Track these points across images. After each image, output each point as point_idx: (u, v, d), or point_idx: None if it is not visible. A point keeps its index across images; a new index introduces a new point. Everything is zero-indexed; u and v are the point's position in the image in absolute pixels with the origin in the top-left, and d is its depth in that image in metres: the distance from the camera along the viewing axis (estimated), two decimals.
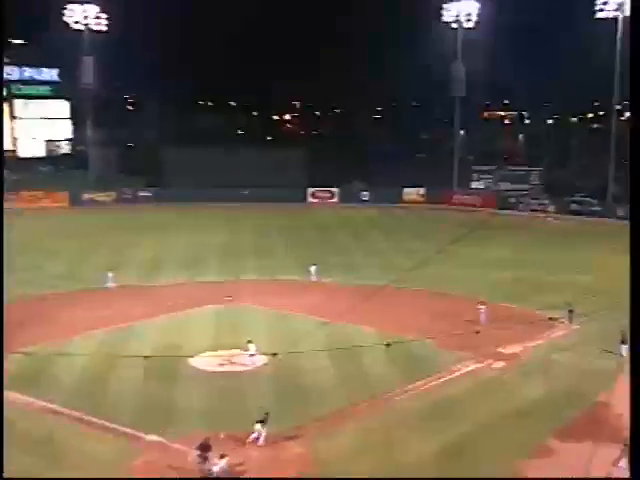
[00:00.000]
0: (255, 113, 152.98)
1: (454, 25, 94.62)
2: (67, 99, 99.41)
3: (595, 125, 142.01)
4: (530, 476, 25.67)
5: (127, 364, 34.39)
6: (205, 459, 25.30)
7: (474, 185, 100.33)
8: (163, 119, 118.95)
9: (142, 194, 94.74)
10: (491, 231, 69.99)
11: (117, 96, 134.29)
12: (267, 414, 27.59)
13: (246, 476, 25.52)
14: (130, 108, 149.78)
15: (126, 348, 37.32)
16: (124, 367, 34.45)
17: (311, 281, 52.68)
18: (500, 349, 37.92)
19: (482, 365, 35.92)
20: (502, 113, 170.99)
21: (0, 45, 77.74)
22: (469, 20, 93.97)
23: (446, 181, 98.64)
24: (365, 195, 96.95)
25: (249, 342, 35.17)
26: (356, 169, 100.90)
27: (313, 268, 53.38)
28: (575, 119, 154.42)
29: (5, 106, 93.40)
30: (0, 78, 73.42)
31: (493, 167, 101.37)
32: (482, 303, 42.20)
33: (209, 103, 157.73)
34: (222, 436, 26.91)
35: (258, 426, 27.31)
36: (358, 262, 60.33)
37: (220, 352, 36.67)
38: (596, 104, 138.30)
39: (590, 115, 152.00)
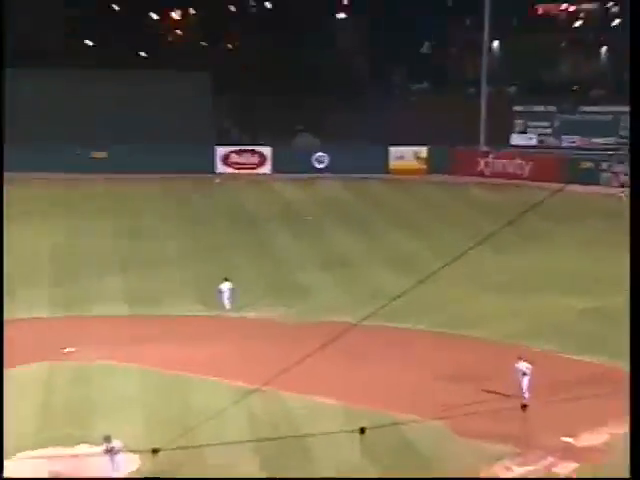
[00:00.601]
0: (116, 7, 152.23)
1: None
2: None
3: None
4: None
5: None
6: None
7: (516, 141, 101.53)
8: None
9: None
10: (545, 223, 70.73)
11: None
12: None
13: None
14: None
15: None
16: None
17: (223, 314, 52.96)
18: (567, 439, 38.01)
19: (535, 468, 35.91)
20: (569, 7, 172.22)
21: (0, 45, 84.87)
22: None
23: (467, 134, 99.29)
24: (321, 158, 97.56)
25: (107, 439, 34.35)
26: (304, 113, 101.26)
27: (226, 288, 53.47)
28: None
29: None
30: (1, 79, 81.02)
31: (552, 107, 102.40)
32: (524, 359, 41.71)
33: None
34: None
35: None
36: (307, 279, 60.75)
37: (53, 450, 36.23)
38: None
39: None
